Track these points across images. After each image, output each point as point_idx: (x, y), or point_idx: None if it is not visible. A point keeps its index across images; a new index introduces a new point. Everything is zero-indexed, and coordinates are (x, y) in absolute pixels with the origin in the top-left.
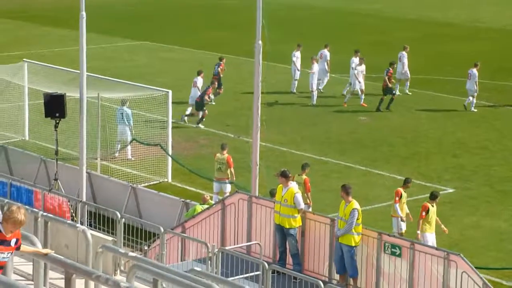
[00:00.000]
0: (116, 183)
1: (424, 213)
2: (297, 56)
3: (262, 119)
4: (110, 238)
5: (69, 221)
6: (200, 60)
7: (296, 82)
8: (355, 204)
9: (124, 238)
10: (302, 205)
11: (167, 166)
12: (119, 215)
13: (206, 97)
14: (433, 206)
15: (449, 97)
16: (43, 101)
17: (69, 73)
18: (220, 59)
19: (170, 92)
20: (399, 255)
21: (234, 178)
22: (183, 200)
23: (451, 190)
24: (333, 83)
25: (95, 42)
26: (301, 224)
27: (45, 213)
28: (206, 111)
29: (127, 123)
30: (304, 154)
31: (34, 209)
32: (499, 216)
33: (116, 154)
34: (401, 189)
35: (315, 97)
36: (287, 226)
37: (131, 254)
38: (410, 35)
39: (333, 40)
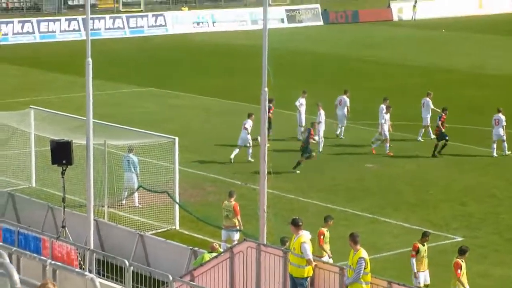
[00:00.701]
0: (123, 230)
1: (459, 271)
2: (301, 103)
3: (269, 166)
4: (118, 287)
5: (78, 269)
6: (206, 107)
7: (302, 128)
8: (363, 252)
9: (133, 287)
10: (310, 256)
11: (174, 214)
12: (127, 263)
13: (311, 140)
14: (462, 261)
15: (456, 144)
16: (49, 148)
17: (75, 119)
18: (270, 101)
19: (177, 139)
20: None
21: (241, 226)
22: (191, 248)
23: (459, 239)
24: (335, 130)
25: (101, 88)
26: (311, 274)
27: (53, 262)
28: (314, 154)
29: (133, 170)
30: (311, 202)
31: (42, 257)
32: (509, 265)
33: (123, 202)
34: (418, 243)
35: (321, 145)
36: (296, 276)
37: None
38: (416, 81)
39: (341, 87)
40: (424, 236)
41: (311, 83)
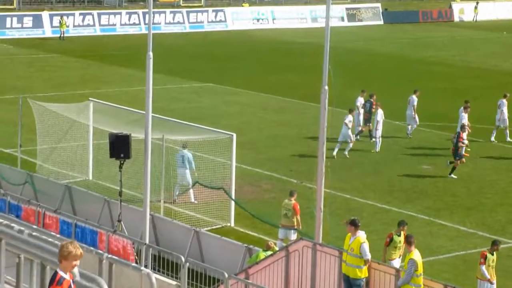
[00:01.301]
0: (179, 226)
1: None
2: (361, 102)
3: (327, 165)
4: (174, 283)
5: (134, 264)
6: (264, 105)
7: (360, 128)
8: (414, 254)
9: (188, 283)
10: (369, 256)
11: (230, 210)
12: (183, 259)
13: (460, 143)
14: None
15: (509, 147)
16: (107, 141)
17: (134, 113)
18: (371, 96)
19: (235, 135)
20: None
21: (300, 226)
22: (246, 245)
23: None
24: (393, 130)
25: (160, 82)
26: (367, 275)
27: (110, 255)
28: (463, 159)
29: (187, 166)
30: (367, 202)
31: (99, 251)
32: None
33: (176, 198)
34: (487, 251)
35: (378, 145)
36: (352, 276)
37: None
38: (476, 84)
39: (400, 87)
40: (493, 245)
41: (370, 83)
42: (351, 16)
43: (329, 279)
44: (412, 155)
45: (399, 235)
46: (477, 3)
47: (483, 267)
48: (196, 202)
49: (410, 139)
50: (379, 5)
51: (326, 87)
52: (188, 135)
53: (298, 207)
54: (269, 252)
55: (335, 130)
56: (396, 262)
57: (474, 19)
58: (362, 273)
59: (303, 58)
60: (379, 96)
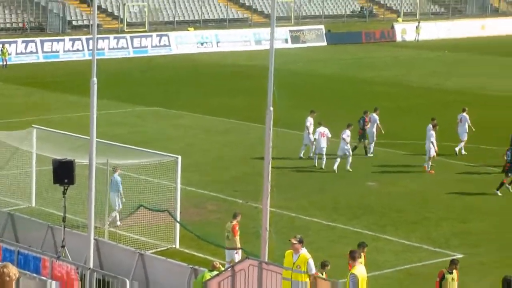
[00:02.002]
0: (123, 249)
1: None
2: (310, 122)
3: (272, 184)
4: None
5: None
6: (208, 127)
7: (304, 147)
8: (356, 269)
9: None
10: (314, 270)
11: (175, 232)
12: (128, 283)
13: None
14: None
15: (456, 162)
16: (50, 167)
17: (77, 139)
18: (364, 112)
19: (180, 157)
20: None
21: (238, 247)
22: (191, 266)
23: (459, 256)
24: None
25: (104, 108)
26: None
27: (53, 281)
28: None
29: (114, 190)
30: (312, 220)
31: (42, 277)
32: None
33: (118, 223)
34: (444, 270)
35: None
36: None
37: None
38: (418, 102)
39: (345, 107)
40: (452, 264)
41: (314, 103)
42: (295, 38)
43: None
44: (356, 172)
45: (360, 257)
46: (419, 23)
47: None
48: (120, 224)
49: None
50: (322, 26)
51: (271, 108)
52: (132, 159)
53: (237, 228)
54: (215, 272)
55: (280, 150)
56: None
57: (416, 39)
58: None
59: (247, 80)
60: (323, 116)
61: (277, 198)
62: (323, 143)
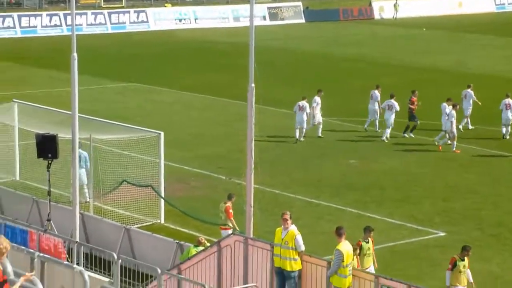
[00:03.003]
0: (109, 224)
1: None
2: (317, 102)
3: (255, 161)
4: (106, 279)
5: (66, 262)
6: (189, 103)
7: (312, 126)
8: (341, 245)
9: (120, 280)
10: (303, 247)
11: (159, 208)
12: (115, 256)
13: None
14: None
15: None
16: (34, 141)
17: (59, 114)
18: (412, 92)
19: (162, 133)
20: None
21: (234, 229)
22: (177, 241)
23: (441, 234)
24: (324, 126)
25: (83, 83)
26: (301, 267)
27: (41, 254)
28: None
29: (83, 166)
30: (295, 197)
31: (30, 250)
32: (489, 260)
33: (88, 200)
34: (456, 257)
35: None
36: (288, 269)
37: None
38: (396, 80)
39: (324, 85)
40: (464, 251)
41: (294, 80)
42: (273, 15)
43: (261, 273)
44: (339, 150)
45: (367, 242)
46: (397, 1)
47: (448, 273)
48: (89, 200)
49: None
50: (300, 3)
51: (253, 85)
52: (115, 134)
53: (230, 210)
54: (200, 248)
55: (261, 127)
56: (371, 270)
57: (394, 17)
58: (297, 265)
59: (226, 57)
60: (305, 93)
61: (260, 175)
62: (303, 117)
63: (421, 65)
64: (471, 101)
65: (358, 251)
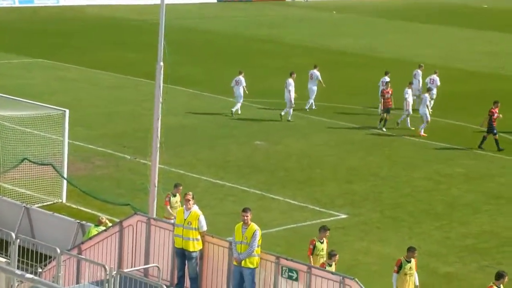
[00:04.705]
0: (9, 203)
1: None
2: (289, 83)
3: (161, 141)
4: (3, 260)
5: None
6: (96, 81)
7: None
8: (256, 226)
9: (18, 261)
10: (206, 227)
11: (61, 187)
12: (13, 236)
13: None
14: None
15: (343, 124)
16: None
17: None
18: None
19: (67, 111)
20: (296, 279)
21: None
22: (78, 221)
23: (343, 216)
24: (225, 106)
25: None
26: (202, 247)
27: None
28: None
29: None
30: (201, 177)
31: None
32: (388, 242)
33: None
34: (402, 258)
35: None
36: (191, 249)
37: (28, 276)
38: (306, 61)
39: (235, 65)
40: (409, 252)
41: (205, 60)
42: None
43: (163, 254)
44: (245, 131)
45: (322, 243)
46: None
47: (395, 276)
48: None
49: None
50: None
51: (161, 64)
52: (19, 111)
53: (167, 199)
54: (101, 228)
55: (169, 107)
56: None
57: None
58: (199, 246)
59: (137, 35)
60: (216, 72)
61: (166, 154)
62: (240, 91)
63: (329, 47)
64: (316, 81)
65: (311, 249)
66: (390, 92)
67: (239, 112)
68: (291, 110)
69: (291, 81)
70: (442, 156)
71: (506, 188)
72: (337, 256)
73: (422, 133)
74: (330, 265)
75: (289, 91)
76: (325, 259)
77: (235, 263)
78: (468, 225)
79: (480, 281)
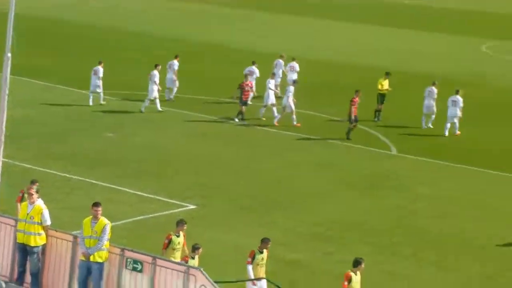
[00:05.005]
0: None
1: (346, 283)
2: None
3: (6, 134)
4: None
5: None
6: None
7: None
8: (106, 220)
9: None
10: (49, 222)
11: None
12: None
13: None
14: (356, 274)
15: (197, 115)
16: None
17: None
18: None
19: None
20: (141, 271)
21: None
22: None
23: (192, 207)
24: (78, 98)
25: None
26: (45, 241)
27: None
28: None
29: None
30: (47, 171)
31: None
32: (238, 232)
33: None
34: (255, 250)
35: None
36: (32, 244)
37: None
38: (166, 54)
39: (91, 57)
40: (263, 243)
41: (60, 52)
42: None
43: (2, 249)
44: (98, 123)
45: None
46: None
47: (249, 267)
48: None
49: (89, 108)
50: None
51: (9, 54)
52: None
53: (21, 194)
54: None
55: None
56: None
57: None
58: (42, 240)
59: None
60: (70, 64)
61: (10, 147)
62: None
63: (192, 39)
64: (172, 74)
65: (166, 244)
66: (249, 84)
67: (101, 103)
68: (148, 101)
69: (156, 72)
70: (294, 146)
71: (351, 175)
72: (201, 249)
73: (276, 123)
74: (193, 258)
75: (154, 82)
76: (181, 252)
77: (82, 258)
78: (316, 214)
79: (324, 267)
